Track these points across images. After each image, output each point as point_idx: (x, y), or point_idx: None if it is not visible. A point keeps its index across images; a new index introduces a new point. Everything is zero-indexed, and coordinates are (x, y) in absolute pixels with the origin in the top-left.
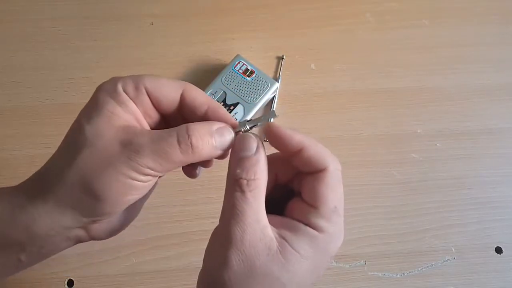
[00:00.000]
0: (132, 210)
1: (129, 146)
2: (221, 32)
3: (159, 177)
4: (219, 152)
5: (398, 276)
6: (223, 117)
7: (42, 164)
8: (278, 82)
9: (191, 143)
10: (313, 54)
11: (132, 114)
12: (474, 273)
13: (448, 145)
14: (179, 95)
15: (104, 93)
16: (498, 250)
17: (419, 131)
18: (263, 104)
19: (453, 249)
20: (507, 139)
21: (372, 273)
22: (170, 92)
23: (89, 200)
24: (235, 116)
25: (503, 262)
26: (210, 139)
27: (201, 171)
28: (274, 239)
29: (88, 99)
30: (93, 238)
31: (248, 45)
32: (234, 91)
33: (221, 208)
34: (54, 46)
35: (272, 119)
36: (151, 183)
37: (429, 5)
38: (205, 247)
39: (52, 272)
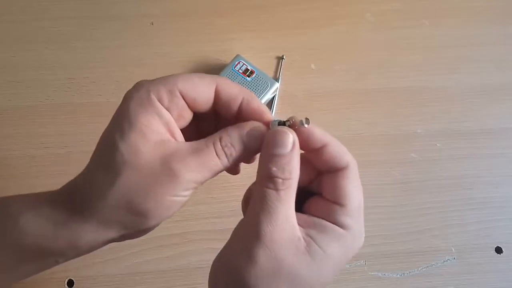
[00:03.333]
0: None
1: (172, 164)
2: (221, 32)
3: None
4: (252, 154)
5: (398, 276)
6: (257, 111)
7: (42, 164)
8: (278, 82)
9: (225, 153)
10: (313, 54)
11: (166, 126)
12: (474, 273)
13: (448, 145)
14: (213, 92)
15: (135, 104)
16: (498, 250)
17: (419, 131)
18: (263, 104)
19: (453, 249)
20: (507, 139)
21: (372, 273)
22: (205, 90)
23: (134, 218)
24: None
25: (503, 262)
26: (242, 144)
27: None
28: (302, 239)
29: (88, 99)
30: (126, 239)
31: (248, 45)
32: None
33: (221, 208)
34: (54, 46)
35: (306, 125)
36: (191, 193)
37: (429, 5)
38: (205, 247)
39: (52, 272)
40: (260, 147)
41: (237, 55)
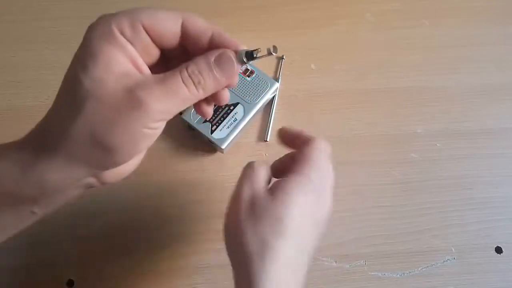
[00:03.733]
0: (139, 153)
1: (137, 93)
2: None
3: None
4: (224, 81)
5: (398, 276)
6: (229, 42)
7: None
8: (278, 82)
9: (193, 81)
10: (313, 54)
11: (130, 58)
12: (474, 273)
13: (448, 145)
14: (179, 27)
15: (97, 36)
16: (498, 250)
17: (419, 131)
18: (263, 104)
19: (453, 249)
20: (507, 139)
21: (372, 273)
22: (170, 24)
23: (99, 153)
24: (235, 116)
25: (503, 262)
26: (211, 71)
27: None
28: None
29: None
30: (103, 183)
31: (248, 45)
32: (234, 91)
33: (221, 208)
34: (54, 46)
35: (274, 53)
36: (161, 129)
37: (429, 5)
38: (205, 247)
39: (52, 272)
40: (230, 77)
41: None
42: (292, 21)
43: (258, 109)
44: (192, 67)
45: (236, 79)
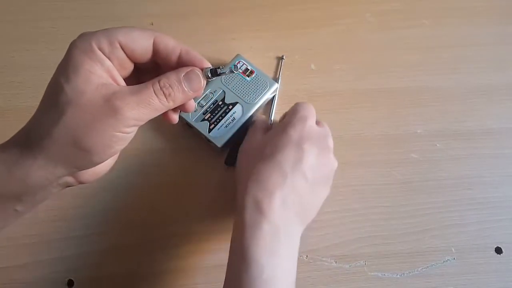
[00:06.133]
0: (114, 154)
1: (113, 101)
2: (221, 32)
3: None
4: (191, 94)
5: (398, 276)
6: (195, 59)
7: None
8: (278, 82)
9: (164, 93)
10: (313, 54)
11: (107, 71)
12: (474, 273)
13: (448, 145)
14: (151, 44)
15: (79, 51)
16: (498, 250)
17: (419, 131)
18: (262, 104)
19: (453, 249)
20: (507, 139)
21: (372, 273)
22: (143, 42)
23: (79, 153)
24: (234, 115)
25: (503, 262)
26: (180, 85)
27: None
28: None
29: None
30: (80, 182)
31: (248, 45)
32: (233, 91)
33: (221, 208)
34: (54, 46)
35: (235, 72)
36: (134, 133)
37: (429, 5)
38: (205, 247)
39: (52, 272)
40: (197, 90)
41: (237, 55)
42: (292, 21)
43: (257, 109)
44: (164, 81)
45: (200, 92)
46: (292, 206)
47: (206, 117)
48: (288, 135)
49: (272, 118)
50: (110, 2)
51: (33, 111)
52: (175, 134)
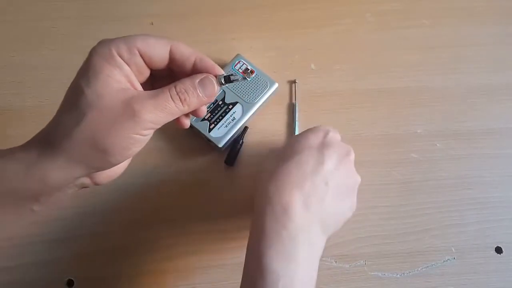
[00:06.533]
0: (130, 156)
1: (132, 105)
2: (221, 32)
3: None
4: (205, 99)
5: (398, 276)
6: (208, 66)
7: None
8: (296, 108)
9: (180, 98)
10: (313, 54)
11: (126, 77)
12: (474, 273)
13: (448, 145)
14: (168, 52)
15: (98, 57)
16: (498, 250)
17: (419, 131)
18: (262, 104)
19: (453, 249)
20: (507, 139)
21: (372, 273)
22: (161, 50)
23: (97, 155)
24: (233, 115)
25: (503, 262)
26: (195, 91)
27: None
28: None
29: None
30: (95, 183)
31: (248, 45)
32: (233, 90)
33: (221, 208)
34: (54, 46)
35: (247, 78)
36: (149, 136)
37: (429, 5)
38: (205, 247)
39: (52, 272)
40: (211, 96)
41: (237, 55)
42: (292, 21)
43: (257, 109)
44: (180, 86)
45: (213, 98)
46: (313, 209)
47: (206, 117)
48: (309, 140)
49: (296, 128)
50: (110, 2)
51: (33, 111)
52: (175, 134)
